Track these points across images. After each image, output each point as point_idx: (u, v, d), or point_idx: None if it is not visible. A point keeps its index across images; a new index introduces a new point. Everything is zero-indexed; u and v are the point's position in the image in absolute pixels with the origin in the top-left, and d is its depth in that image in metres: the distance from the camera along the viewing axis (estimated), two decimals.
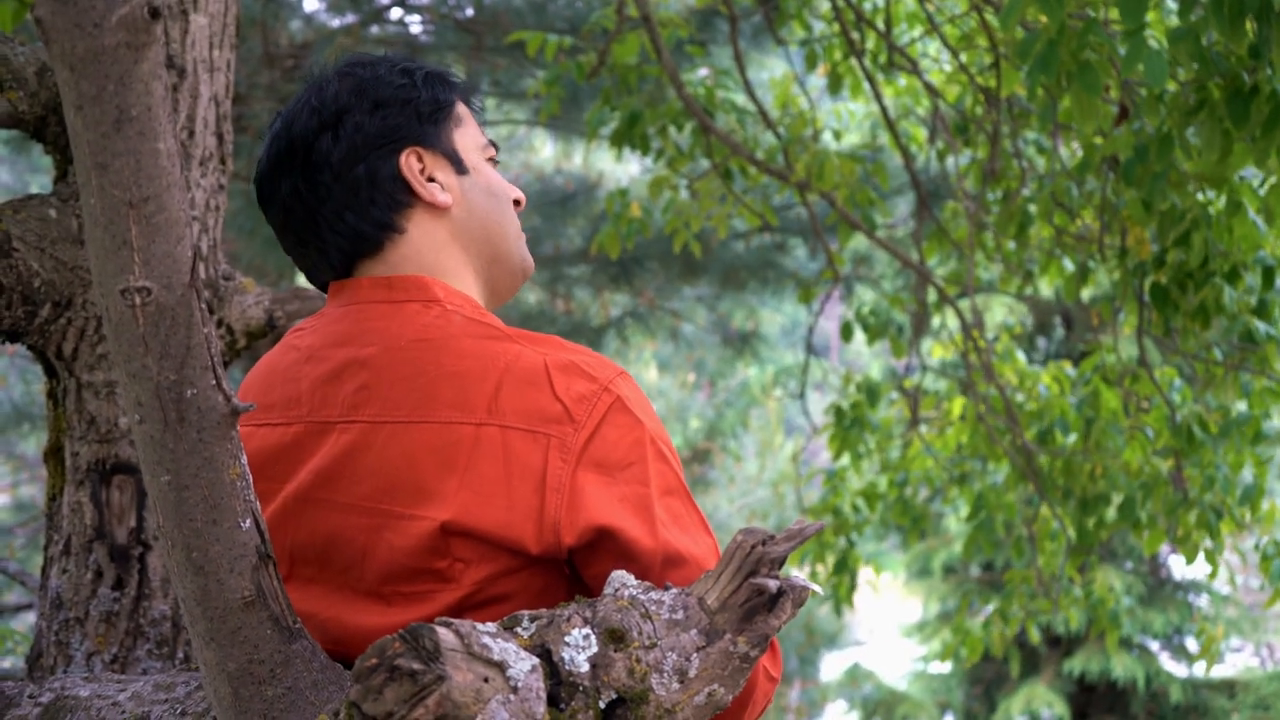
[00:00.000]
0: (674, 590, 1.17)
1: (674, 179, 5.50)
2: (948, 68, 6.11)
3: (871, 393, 6.14)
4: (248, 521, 1.15)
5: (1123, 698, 12.32)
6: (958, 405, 6.26)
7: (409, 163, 1.51)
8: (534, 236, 6.94)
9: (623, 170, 8.54)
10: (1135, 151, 4.20)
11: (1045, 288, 7.21)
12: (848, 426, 6.11)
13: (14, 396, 8.01)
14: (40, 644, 2.12)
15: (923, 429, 6.38)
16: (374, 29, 6.64)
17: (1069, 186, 5.31)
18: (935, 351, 6.84)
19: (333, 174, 1.49)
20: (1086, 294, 8.46)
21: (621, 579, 1.18)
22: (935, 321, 7.92)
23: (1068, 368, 6.14)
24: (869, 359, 14.10)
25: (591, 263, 6.95)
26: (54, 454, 2.18)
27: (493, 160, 1.61)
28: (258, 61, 5.88)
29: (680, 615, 1.13)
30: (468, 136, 1.57)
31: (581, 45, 5.37)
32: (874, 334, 6.01)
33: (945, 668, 13.01)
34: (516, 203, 1.61)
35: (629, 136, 5.26)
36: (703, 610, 1.14)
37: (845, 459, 6.33)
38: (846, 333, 6.05)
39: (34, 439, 9.49)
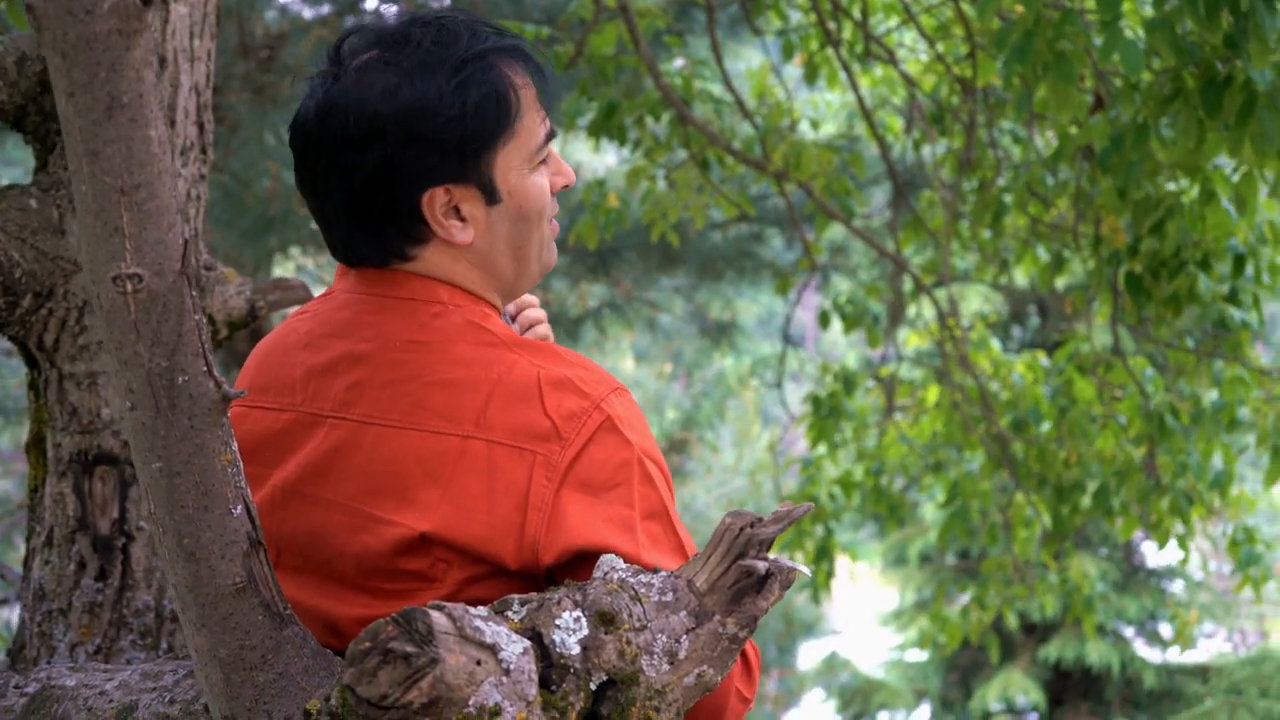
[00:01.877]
0: (663, 573, 1.18)
1: (651, 169, 5.50)
2: (924, 58, 6.13)
3: (848, 382, 6.17)
4: (239, 508, 1.15)
5: (1097, 683, 12.41)
6: (933, 393, 6.29)
7: (432, 202, 1.42)
8: None
9: (600, 161, 8.55)
10: (1110, 141, 4.23)
11: (1021, 277, 7.25)
12: (824, 415, 6.14)
13: None
14: (23, 635, 2.11)
15: (898, 417, 6.41)
16: (350, 20, 6.62)
17: (1044, 176, 5.34)
18: (910, 340, 6.87)
19: (350, 192, 1.41)
20: (1061, 283, 8.51)
21: (610, 562, 1.20)
22: (911, 311, 7.96)
23: (1042, 357, 6.17)
24: (845, 348, 14.15)
25: (569, 254, 6.95)
26: (35, 445, 2.18)
27: (543, 154, 1.48)
28: (233, 52, 5.86)
29: (670, 597, 1.15)
30: (517, 153, 1.44)
31: (558, 36, 5.37)
32: (850, 323, 6.04)
33: (922, 656, 13.08)
34: (566, 186, 1.52)
35: (606, 127, 5.25)
36: (692, 592, 1.15)
37: (822, 448, 6.35)
38: (824, 321, 6.07)
39: (8, 434, 9.44)
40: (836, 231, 8.37)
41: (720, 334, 8.77)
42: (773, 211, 6.94)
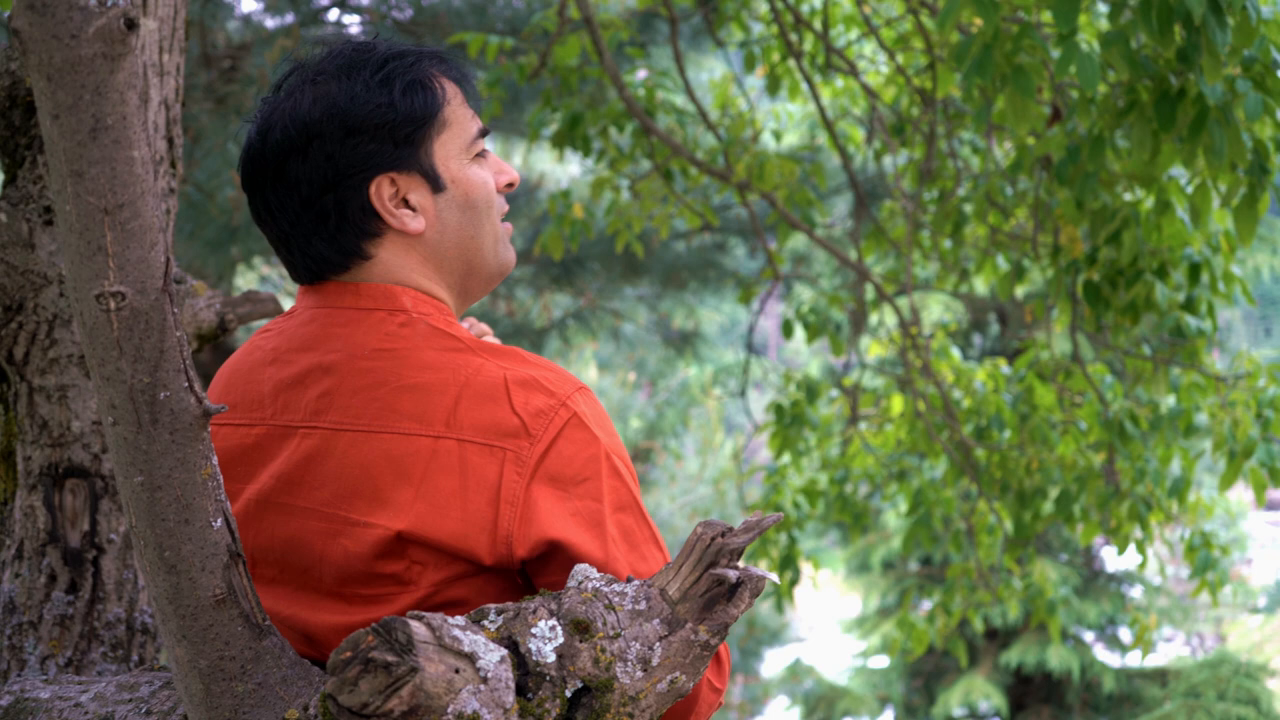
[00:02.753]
0: (636, 582, 1.21)
1: (615, 180, 5.53)
2: (885, 69, 6.20)
3: (811, 391, 6.21)
4: (219, 521, 1.17)
5: (1058, 688, 12.50)
6: (897, 403, 6.34)
7: (379, 192, 1.47)
8: None
9: (563, 171, 8.57)
10: (1067, 152, 4.29)
11: (981, 286, 7.32)
12: (788, 424, 6.17)
13: None
14: None
15: (862, 426, 6.46)
16: (312, 30, 6.62)
17: (1002, 186, 5.40)
18: (873, 349, 6.92)
19: (301, 200, 1.47)
20: (1021, 291, 8.59)
21: (584, 572, 1.22)
22: (874, 319, 8.01)
23: (1003, 365, 6.23)
24: (808, 357, 14.22)
25: (534, 264, 6.97)
26: (5, 458, 2.18)
27: (482, 152, 1.54)
28: (195, 62, 5.85)
29: (643, 606, 1.17)
30: (452, 142, 1.51)
31: (522, 47, 5.39)
32: (814, 332, 6.07)
33: (885, 662, 13.13)
34: (510, 185, 1.57)
35: (570, 137, 5.28)
36: (664, 601, 1.18)
37: (786, 457, 6.39)
38: (787, 330, 6.11)
39: None
40: (799, 241, 8.43)
41: (684, 343, 8.80)
42: (736, 221, 6.99)
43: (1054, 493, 5.95)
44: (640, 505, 1.43)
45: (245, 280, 7.43)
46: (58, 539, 2.10)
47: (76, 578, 2.11)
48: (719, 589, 1.16)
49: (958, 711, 12.74)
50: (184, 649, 1.18)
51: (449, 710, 1.06)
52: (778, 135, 5.99)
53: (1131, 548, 5.77)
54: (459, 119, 1.53)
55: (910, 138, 5.85)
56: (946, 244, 5.99)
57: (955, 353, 6.44)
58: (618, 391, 10.96)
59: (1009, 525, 6.05)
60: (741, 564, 1.18)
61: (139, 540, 1.15)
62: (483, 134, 1.55)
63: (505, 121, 6.55)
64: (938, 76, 5.06)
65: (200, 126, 5.77)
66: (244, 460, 1.46)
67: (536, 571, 1.38)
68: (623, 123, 5.34)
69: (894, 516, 10.90)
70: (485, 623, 1.17)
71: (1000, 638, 12.44)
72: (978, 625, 6.61)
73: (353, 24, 6.94)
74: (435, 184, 1.50)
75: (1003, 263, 5.84)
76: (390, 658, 1.03)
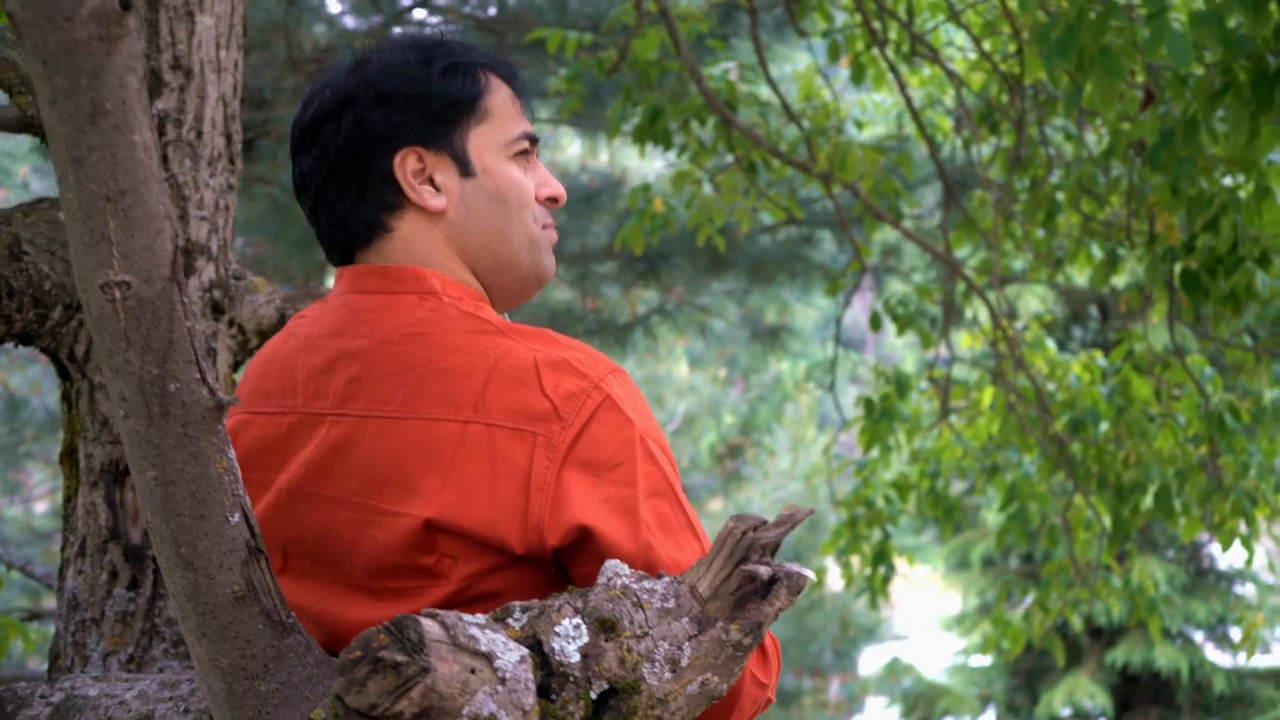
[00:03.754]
0: (666, 579, 1.16)
1: (697, 173, 5.48)
2: (972, 56, 6.07)
3: (900, 384, 6.11)
4: (236, 516, 1.14)
5: (1166, 688, 12.22)
6: (988, 395, 6.22)
7: (403, 163, 1.47)
8: (559, 234, 6.92)
9: (649, 167, 8.54)
10: (1160, 136, 4.16)
11: (1076, 276, 7.15)
12: (877, 419, 6.08)
13: (48, 403, 8.07)
14: (58, 645, 2.13)
15: (953, 419, 6.34)
16: (397, 30, 6.65)
17: (1095, 173, 5.26)
18: (964, 342, 6.80)
19: (330, 165, 1.47)
20: (1120, 281, 8.38)
21: (615, 568, 1.17)
22: (969, 312, 7.87)
23: (1099, 357, 6.08)
24: (903, 351, 14.05)
25: (618, 260, 6.93)
26: (68, 456, 2.19)
27: (524, 154, 1.52)
28: (281, 66, 5.90)
29: (672, 604, 1.12)
30: (491, 134, 1.50)
31: (602, 41, 5.36)
32: (903, 325, 5.98)
33: (986, 660, 12.93)
34: (553, 200, 1.54)
35: (651, 132, 5.24)
36: (694, 598, 1.13)
37: (875, 451, 6.30)
38: (875, 323, 6.01)
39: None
40: (890, 233, 8.31)
41: (773, 338, 8.71)
42: (823, 214, 6.89)
43: (1154, 488, 5.79)
44: (677, 491, 1.38)
45: (332, 281, 7.50)
46: (119, 536, 2.11)
47: (138, 574, 2.11)
48: (751, 586, 1.11)
49: (1063, 711, 12.50)
50: (204, 647, 1.16)
51: (464, 712, 1.02)
52: (859, 125, 5.88)
53: (1237, 544, 5.60)
54: (502, 115, 1.51)
55: (1000, 125, 5.72)
56: (1039, 234, 5.86)
57: (1050, 345, 6.30)
58: (709, 388, 10.89)
59: (1107, 521, 5.90)
60: (776, 560, 1.12)
61: (155, 536, 1.13)
62: (531, 140, 1.53)
63: (586, 117, 6.53)
64: (1025, 61, 4.94)
65: (285, 128, 5.82)
66: (277, 449, 1.44)
67: (571, 562, 1.34)
68: (704, 116, 5.29)
69: (992, 513, 10.72)
70: (510, 620, 1.13)
71: (1106, 636, 12.19)
72: (1076, 624, 6.46)
73: (437, 23, 6.96)
74: (465, 168, 1.49)
75: (1097, 252, 5.70)
76: (400, 657, 0.99)
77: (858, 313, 15.91)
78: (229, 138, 2.27)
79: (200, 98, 2.22)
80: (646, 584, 1.14)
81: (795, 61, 7.68)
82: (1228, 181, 4.56)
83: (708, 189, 5.61)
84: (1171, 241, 4.85)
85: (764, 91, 6.15)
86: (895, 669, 13.13)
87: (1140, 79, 4.57)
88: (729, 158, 5.69)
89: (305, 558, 1.41)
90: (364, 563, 1.37)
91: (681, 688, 1.10)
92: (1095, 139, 5.67)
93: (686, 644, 1.11)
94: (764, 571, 1.10)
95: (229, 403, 1.10)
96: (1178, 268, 4.78)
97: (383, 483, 1.36)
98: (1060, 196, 5.47)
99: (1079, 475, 5.79)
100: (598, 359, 1.40)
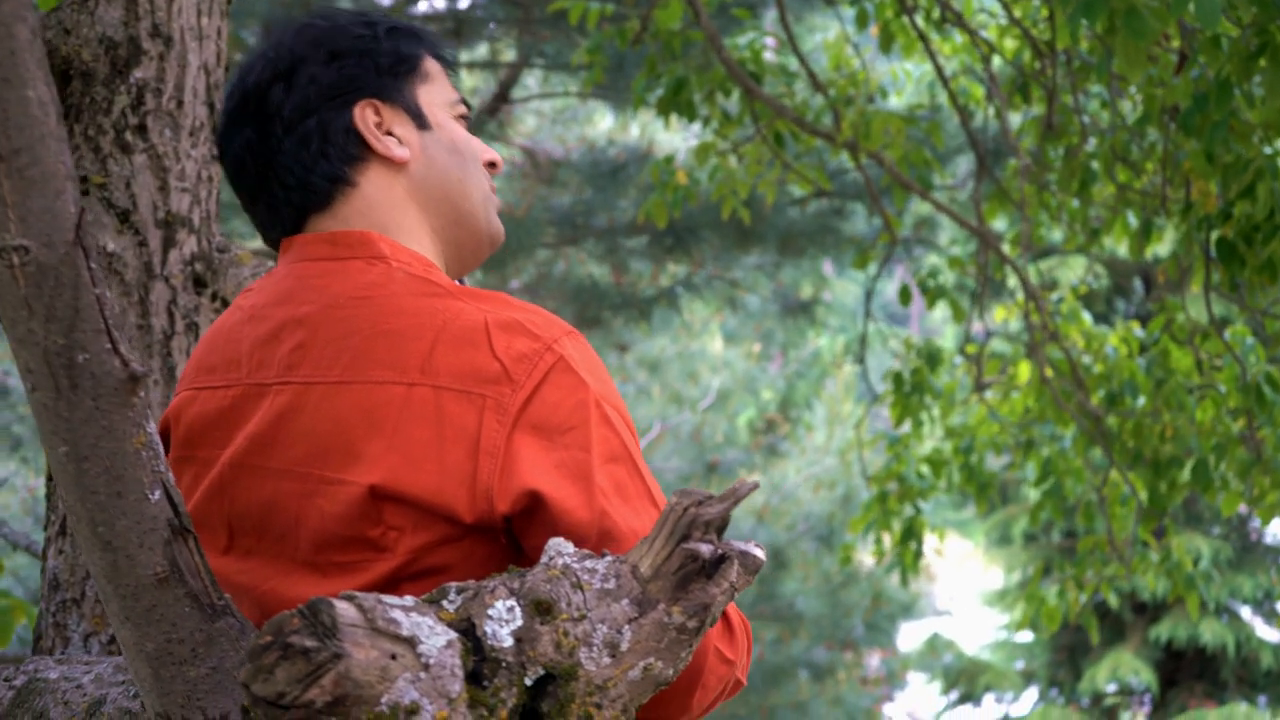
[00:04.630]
0: (609, 558, 1.09)
1: (720, 145, 5.40)
2: (1004, 22, 5.93)
3: (932, 358, 6.01)
4: (157, 493, 1.08)
5: (1212, 664, 12.09)
6: (1024, 369, 6.11)
7: (364, 115, 1.46)
8: (586, 209, 6.87)
9: (680, 140, 8.45)
10: (1194, 100, 4.04)
11: (1112, 246, 7.01)
12: (907, 393, 5.99)
13: None
14: (40, 625, 2.09)
15: (988, 394, 6.23)
16: (422, 6, 6.60)
17: (1130, 140, 5.14)
18: (999, 315, 6.68)
19: (284, 125, 1.44)
20: (1162, 250, 8.22)
21: (558, 546, 1.11)
22: (1012, 283, 7.73)
23: (1136, 329, 5.96)
24: (945, 325, 13.89)
25: (646, 234, 6.86)
26: None
27: (464, 119, 1.54)
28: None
29: (612, 585, 1.06)
30: (434, 93, 1.51)
31: (624, 11, 5.28)
32: (933, 298, 5.88)
33: (1028, 636, 12.82)
34: (492, 165, 1.54)
35: (675, 103, 5.16)
36: (635, 579, 1.06)
37: (907, 426, 6.20)
38: (904, 297, 5.92)
39: None
40: (925, 205, 8.18)
41: (803, 312, 8.61)
42: (854, 186, 6.79)
43: (1192, 462, 5.67)
44: (635, 458, 1.32)
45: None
46: None
47: None
48: (694, 565, 1.04)
49: (1107, 687, 12.38)
50: (128, 631, 1.10)
51: (383, 701, 0.96)
52: (884, 94, 5.77)
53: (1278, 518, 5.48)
54: (439, 79, 1.53)
55: (1033, 93, 5.59)
56: (1074, 203, 5.74)
57: (1086, 317, 6.18)
58: (743, 363, 10.81)
59: (1143, 496, 5.78)
60: (728, 538, 1.06)
61: (72, 515, 1.07)
62: (466, 107, 1.55)
63: (610, 90, 6.45)
64: (1057, 26, 4.81)
65: None
66: (221, 424, 1.39)
67: (524, 532, 1.28)
68: (728, 87, 5.20)
69: (1032, 488, 10.60)
70: (445, 603, 1.07)
71: (1150, 611, 12.05)
72: (1113, 601, 6.35)
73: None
74: (421, 121, 1.49)
75: (1133, 221, 5.57)
76: (310, 643, 0.93)
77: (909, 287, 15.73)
78: (211, 107, 2.21)
79: (181, 66, 2.16)
80: (588, 563, 1.08)
81: (825, 30, 7.56)
82: (1266, 150, 4.43)
83: (733, 161, 5.52)
84: (1208, 209, 4.73)
85: (794, 62, 6.05)
86: (935, 645, 13.04)
87: (1176, 44, 4.45)
88: (754, 129, 5.60)
89: (250, 534, 1.36)
90: (309, 536, 1.32)
91: (622, 673, 1.04)
92: (1131, 104, 5.53)
93: (626, 627, 1.04)
94: (705, 550, 1.03)
95: (143, 374, 1.04)
96: (1214, 236, 4.67)
97: (326, 450, 1.31)
98: (1095, 165, 5.35)
99: (1115, 450, 5.68)
100: (552, 321, 1.35)
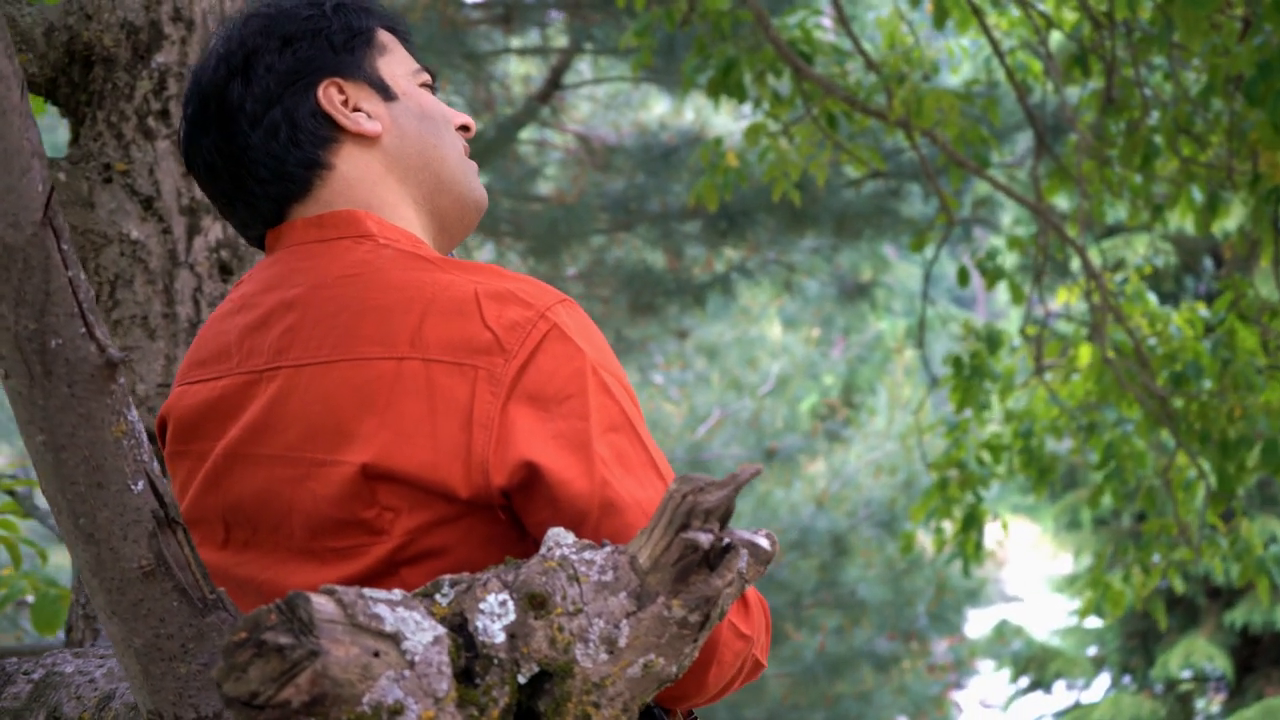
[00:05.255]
0: (607, 548, 1.04)
1: (771, 126, 5.32)
2: None
3: (991, 341, 5.90)
4: (140, 484, 1.04)
5: None
6: (1086, 351, 5.98)
7: (328, 95, 1.42)
8: (639, 194, 6.81)
9: (734, 124, 8.36)
10: (1259, 68, 3.92)
11: (1181, 223, 6.85)
12: (967, 377, 5.88)
13: None
14: (71, 617, 2.08)
15: (1048, 377, 6.10)
16: None
17: (1192, 112, 5.01)
18: (1061, 296, 6.55)
19: (249, 121, 1.41)
20: (1229, 225, 8.02)
21: (557, 536, 1.06)
22: (1075, 264, 7.58)
23: (1201, 308, 5.81)
24: (1010, 307, 13.70)
25: (699, 218, 6.79)
26: None
27: (429, 88, 1.50)
28: None
29: (610, 577, 1.00)
30: (394, 63, 1.47)
31: None
32: (991, 279, 5.77)
33: (1099, 622, 12.63)
34: (465, 129, 1.49)
35: (725, 85, 5.10)
36: (633, 570, 1.00)
37: (967, 410, 6.09)
38: (962, 279, 5.81)
39: None
40: (986, 185, 8.04)
41: (860, 295, 8.49)
42: (910, 166, 6.68)
43: (1262, 443, 5.52)
44: (637, 427, 1.27)
45: None
46: None
47: None
48: (693, 556, 0.98)
49: (1181, 674, 12.18)
50: (116, 626, 1.07)
51: (364, 700, 0.91)
52: (934, 69, 5.65)
53: None
54: (396, 48, 1.49)
55: (1092, 66, 5.46)
56: (1136, 179, 5.61)
57: (1151, 298, 6.03)
58: (802, 348, 10.71)
59: (1212, 479, 5.64)
60: (732, 528, 1.00)
61: (53, 506, 1.04)
62: (429, 73, 1.51)
63: (663, 73, 6.39)
64: None
65: None
66: (214, 416, 1.36)
67: (523, 508, 1.24)
68: (779, 68, 5.12)
69: (1095, 471, 10.43)
70: (438, 596, 1.02)
71: (1224, 596, 11.83)
72: (1179, 586, 6.20)
73: None
74: (385, 92, 1.45)
75: (1199, 195, 5.43)
76: (284, 640, 0.89)
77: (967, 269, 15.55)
78: None
79: (203, 50, 2.13)
80: (587, 554, 1.02)
81: (879, 8, 7.45)
82: None
83: (783, 143, 5.44)
84: (1276, 181, 4.61)
85: (848, 42, 5.95)
86: (1004, 631, 12.88)
87: (1238, 9, 4.32)
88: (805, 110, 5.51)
89: (246, 526, 1.33)
90: (303, 522, 1.29)
91: (620, 670, 0.98)
92: (1195, 75, 5.39)
93: (624, 621, 0.98)
94: (704, 539, 0.97)
95: (119, 359, 1.00)
96: None
97: (318, 432, 1.28)
98: (1158, 139, 5.23)
99: (1181, 432, 5.54)
100: (545, 289, 1.31)
